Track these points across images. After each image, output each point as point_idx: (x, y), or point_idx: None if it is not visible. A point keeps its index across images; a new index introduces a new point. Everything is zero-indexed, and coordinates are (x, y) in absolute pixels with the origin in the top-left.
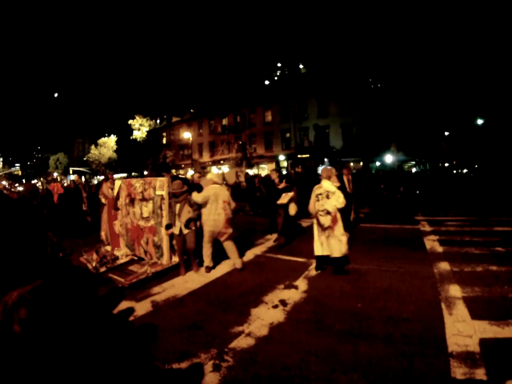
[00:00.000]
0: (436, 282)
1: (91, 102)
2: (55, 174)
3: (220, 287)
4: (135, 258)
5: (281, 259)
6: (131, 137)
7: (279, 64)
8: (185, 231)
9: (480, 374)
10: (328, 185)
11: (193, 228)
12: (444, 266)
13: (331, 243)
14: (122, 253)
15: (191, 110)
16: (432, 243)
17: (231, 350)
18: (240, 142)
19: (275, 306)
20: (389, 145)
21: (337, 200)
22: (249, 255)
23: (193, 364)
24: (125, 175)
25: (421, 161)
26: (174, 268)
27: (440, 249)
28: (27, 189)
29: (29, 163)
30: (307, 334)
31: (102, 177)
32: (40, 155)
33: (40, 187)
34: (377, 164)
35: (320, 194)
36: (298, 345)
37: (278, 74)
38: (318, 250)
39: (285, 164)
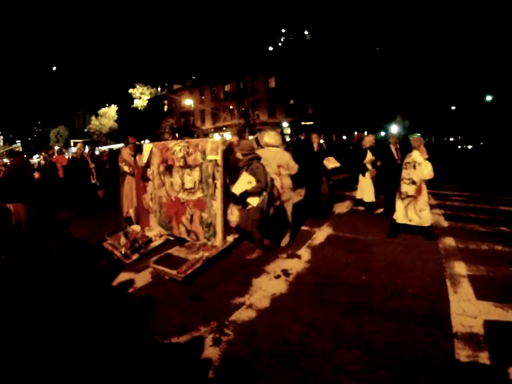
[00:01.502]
0: (440, 257)
1: (90, 73)
2: (56, 147)
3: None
4: (171, 238)
5: None
6: (132, 106)
7: (283, 30)
8: (246, 207)
9: (484, 357)
10: (416, 155)
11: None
12: (449, 242)
13: (409, 212)
14: (155, 233)
15: (193, 77)
16: (437, 217)
17: (231, 323)
18: (243, 109)
19: (277, 277)
20: (395, 116)
21: (422, 172)
22: None
23: (192, 337)
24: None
25: (426, 134)
26: (229, 250)
27: (445, 224)
28: (17, 162)
29: (29, 139)
30: (309, 307)
31: (104, 148)
32: (40, 129)
33: (43, 161)
34: (382, 134)
35: (408, 163)
36: (301, 319)
37: (282, 40)
38: (400, 217)
39: (288, 131)
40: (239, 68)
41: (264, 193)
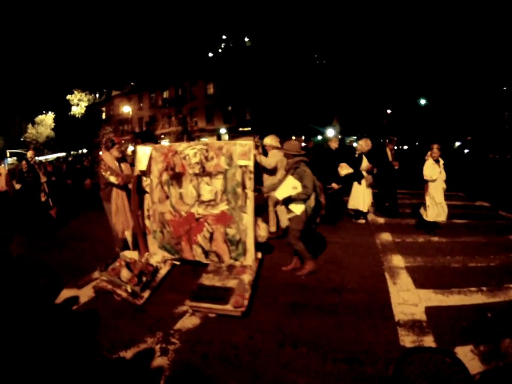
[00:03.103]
0: (378, 252)
1: (27, 77)
2: None
3: None
4: (177, 263)
5: None
6: (69, 114)
7: (224, 37)
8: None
9: (429, 341)
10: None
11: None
12: (386, 237)
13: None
14: (158, 259)
15: (132, 83)
16: (373, 215)
17: (177, 332)
18: (181, 116)
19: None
20: (331, 120)
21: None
22: None
23: (140, 350)
24: (63, 154)
25: (362, 136)
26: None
27: (381, 220)
28: None
29: None
30: (253, 309)
31: (42, 158)
32: None
33: None
34: (319, 138)
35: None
36: (244, 322)
37: (222, 47)
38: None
39: (226, 137)
40: (178, 74)
41: (310, 201)
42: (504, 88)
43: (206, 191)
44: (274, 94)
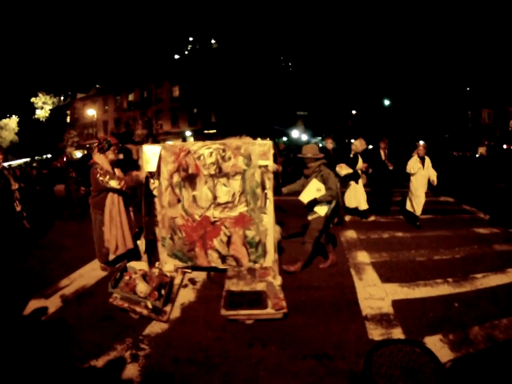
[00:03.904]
0: (343, 249)
1: None
2: None
3: None
4: (188, 271)
5: None
6: (34, 117)
7: (191, 39)
8: (310, 216)
9: (398, 333)
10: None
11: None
12: (351, 234)
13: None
14: (170, 269)
15: (97, 86)
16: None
17: (145, 337)
18: (146, 119)
19: (185, 286)
20: (295, 122)
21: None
22: None
23: (111, 358)
24: (28, 159)
25: (327, 137)
26: None
27: (346, 218)
28: None
29: None
30: (219, 311)
31: (6, 164)
32: None
33: None
34: (284, 139)
35: None
36: (212, 324)
37: (189, 48)
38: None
39: (191, 140)
40: (144, 76)
41: (333, 202)
42: (468, 89)
43: (222, 192)
44: (239, 96)
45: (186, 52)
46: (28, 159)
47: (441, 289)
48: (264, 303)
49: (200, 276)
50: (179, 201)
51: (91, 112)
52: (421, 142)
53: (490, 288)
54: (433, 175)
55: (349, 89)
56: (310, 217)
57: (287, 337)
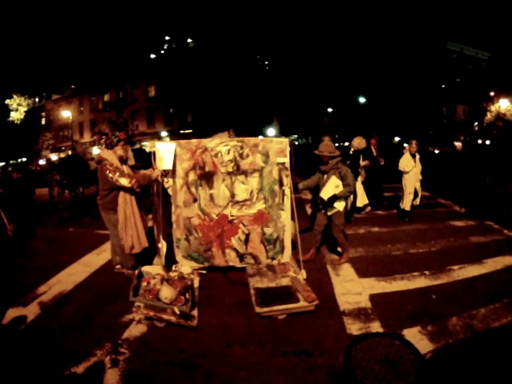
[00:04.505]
0: (319, 246)
1: None
2: None
3: (105, 274)
4: (203, 272)
5: None
6: (8, 119)
7: (167, 38)
8: (330, 212)
9: (376, 327)
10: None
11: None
12: None
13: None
14: (187, 271)
15: (72, 86)
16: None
17: (125, 341)
18: (122, 119)
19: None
20: (271, 120)
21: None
22: None
23: (91, 364)
24: (2, 163)
25: (303, 135)
26: None
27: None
28: None
29: None
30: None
31: None
32: None
33: None
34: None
35: None
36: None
37: (165, 48)
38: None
39: (167, 140)
40: (120, 76)
41: (350, 198)
42: (443, 86)
43: (240, 190)
44: (216, 95)
45: (162, 51)
46: (2, 163)
47: (418, 282)
48: (295, 297)
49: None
50: (195, 200)
51: (66, 114)
52: (413, 140)
53: (467, 279)
54: (420, 169)
55: (325, 87)
56: (329, 213)
57: (265, 336)
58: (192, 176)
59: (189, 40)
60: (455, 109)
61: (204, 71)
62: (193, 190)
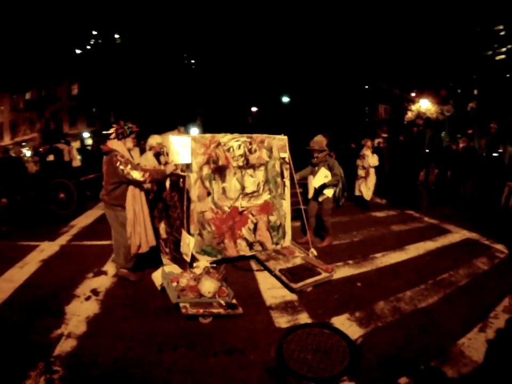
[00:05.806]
0: None
1: None
2: None
3: (31, 289)
4: (215, 265)
5: (88, 245)
6: None
7: (94, 32)
8: (321, 198)
9: (304, 318)
10: (366, 151)
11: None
12: None
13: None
14: (205, 266)
15: None
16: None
17: (57, 358)
18: (44, 120)
19: (88, 298)
20: (195, 119)
21: (369, 161)
22: None
23: None
24: None
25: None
26: None
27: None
28: None
29: None
30: (125, 319)
31: None
32: None
33: None
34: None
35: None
36: (120, 334)
37: (92, 43)
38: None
39: (90, 141)
40: (42, 73)
41: (340, 185)
42: (366, 87)
43: (249, 183)
44: (140, 93)
45: (88, 47)
46: None
47: (343, 271)
48: (317, 271)
49: (103, 286)
50: (209, 194)
51: None
52: (368, 140)
53: (391, 265)
54: None
55: (249, 87)
56: (320, 199)
57: (195, 338)
58: (206, 170)
59: (116, 36)
60: (377, 108)
61: (129, 68)
62: (207, 184)
